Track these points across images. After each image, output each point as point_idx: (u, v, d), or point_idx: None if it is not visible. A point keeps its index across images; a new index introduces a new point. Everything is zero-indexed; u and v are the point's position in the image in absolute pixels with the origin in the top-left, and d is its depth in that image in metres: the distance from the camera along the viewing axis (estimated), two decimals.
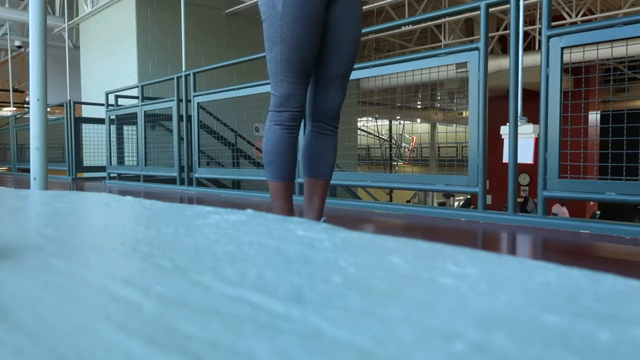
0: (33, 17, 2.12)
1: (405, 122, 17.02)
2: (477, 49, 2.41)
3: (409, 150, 17.34)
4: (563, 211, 9.17)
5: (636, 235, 1.90)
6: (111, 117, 5.52)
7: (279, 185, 1.51)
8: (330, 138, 1.59)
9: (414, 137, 17.64)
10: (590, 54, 2.15)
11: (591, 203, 11.07)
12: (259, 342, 0.25)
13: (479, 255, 0.43)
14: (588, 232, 2.02)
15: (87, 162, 6.59)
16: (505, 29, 10.56)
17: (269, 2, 1.41)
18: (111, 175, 5.61)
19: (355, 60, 1.57)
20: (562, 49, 2.14)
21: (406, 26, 10.79)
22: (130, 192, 4.26)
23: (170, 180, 4.73)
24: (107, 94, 5.61)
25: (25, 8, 9.38)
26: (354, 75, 3.11)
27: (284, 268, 0.40)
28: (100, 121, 6.22)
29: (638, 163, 2.04)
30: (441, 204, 15.41)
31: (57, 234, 0.59)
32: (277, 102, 1.47)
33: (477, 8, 2.42)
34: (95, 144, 6.54)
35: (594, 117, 8.36)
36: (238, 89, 3.90)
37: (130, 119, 5.29)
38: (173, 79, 4.53)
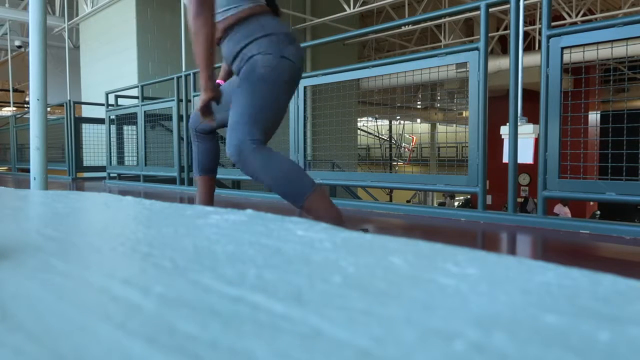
0: (33, 17, 2.12)
1: (405, 122, 17.02)
2: (477, 49, 2.41)
3: (409, 150, 17.34)
4: (565, 211, 9.17)
5: (636, 235, 1.90)
6: (111, 117, 5.52)
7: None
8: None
9: (414, 137, 17.64)
10: (590, 54, 2.15)
11: (591, 203, 11.07)
12: (259, 342, 0.25)
13: (479, 255, 0.43)
14: (588, 232, 2.02)
15: (87, 162, 6.59)
16: (505, 29, 10.56)
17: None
18: (111, 175, 5.61)
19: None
20: (562, 49, 2.14)
21: (406, 26, 10.79)
22: (130, 192, 4.26)
23: (170, 180, 4.73)
24: (107, 94, 5.61)
25: (25, 8, 9.38)
26: (354, 75, 3.11)
27: (284, 268, 0.40)
28: (100, 121, 6.22)
29: (638, 163, 2.04)
30: (441, 204, 15.42)
31: (57, 234, 0.59)
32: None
33: (477, 8, 2.43)
34: (95, 144, 6.54)
35: (594, 117, 8.36)
36: None
37: (130, 119, 5.29)
38: (173, 79, 4.54)
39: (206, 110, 1.52)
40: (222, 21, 1.62)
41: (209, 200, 1.95)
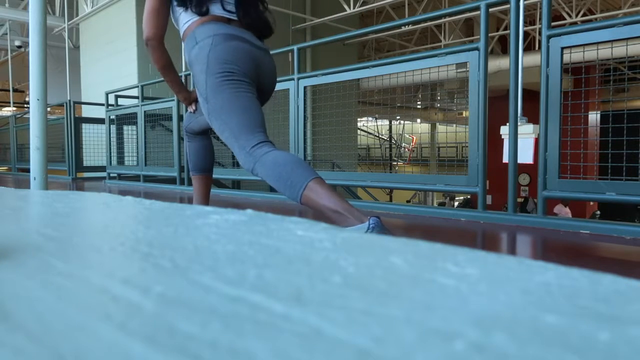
0: (33, 17, 2.12)
1: (405, 122, 17.02)
2: (477, 49, 2.41)
3: (409, 150, 17.33)
4: (565, 211, 9.17)
5: (636, 235, 1.90)
6: (111, 117, 5.52)
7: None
8: None
9: (414, 137, 17.63)
10: (590, 54, 2.15)
11: (591, 203, 11.07)
12: (259, 342, 0.25)
13: (479, 255, 0.43)
14: (588, 232, 2.02)
15: (87, 162, 6.59)
16: (505, 29, 10.56)
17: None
18: (111, 175, 5.61)
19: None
20: (562, 49, 2.14)
21: (406, 26, 10.79)
22: (130, 192, 4.26)
23: (170, 180, 4.73)
24: (107, 94, 5.61)
25: (25, 8, 9.38)
26: (354, 75, 3.11)
27: (284, 268, 0.40)
28: (100, 121, 6.22)
29: (638, 163, 2.04)
30: (441, 204, 15.41)
31: (57, 234, 0.59)
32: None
33: (477, 8, 2.43)
34: (95, 144, 6.54)
35: (594, 117, 8.36)
36: None
37: (130, 119, 5.29)
38: None
39: (189, 106, 1.92)
40: (182, 36, 1.71)
41: (204, 199, 1.97)
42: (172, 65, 1.76)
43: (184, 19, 1.65)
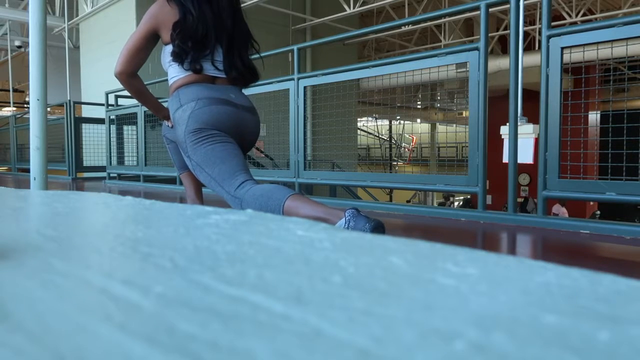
0: (33, 17, 2.12)
1: (405, 122, 17.01)
2: (477, 49, 2.41)
3: (409, 150, 17.33)
4: (563, 211, 9.18)
5: (636, 235, 1.90)
6: (111, 117, 5.52)
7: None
8: None
9: (414, 137, 17.63)
10: (590, 54, 2.15)
11: (591, 203, 11.07)
12: (259, 342, 0.25)
13: (479, 255, 0.43)
14: (588, 232, 2.02)
15: (87, 162, 6.59)
16: (505, 29, 10.55)
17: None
18: (111, 175, 5.61)
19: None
20: (562, 49, 2.14)
21: (406, 26, 10.79)
22: (130, 192, 4.26)
23: (170, 180, 4.73)
24: (107, 94, 5.61)
25: (25, 8, 9.38)
26: (354, 75, 3.11)
27: (284, 268, 0.40)
28: (100, 121, 6.22)
29: (638, 163, 2.04)
30: (441, 204, 15.41)
31: (57, 234, 0.59)
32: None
33: (477, 8, 2.43)
34: (95, 144, 6.54)
35: (594, 117, 8.36)
36: None
37: (130, 119, 5.29)
38: None
39: (168, 121, 1.90)
40: (169, 87, 1.78)
41: (197, 196, 2.00)
42: (146, 91, 1.85)
43: (172, 73, 1.73)
